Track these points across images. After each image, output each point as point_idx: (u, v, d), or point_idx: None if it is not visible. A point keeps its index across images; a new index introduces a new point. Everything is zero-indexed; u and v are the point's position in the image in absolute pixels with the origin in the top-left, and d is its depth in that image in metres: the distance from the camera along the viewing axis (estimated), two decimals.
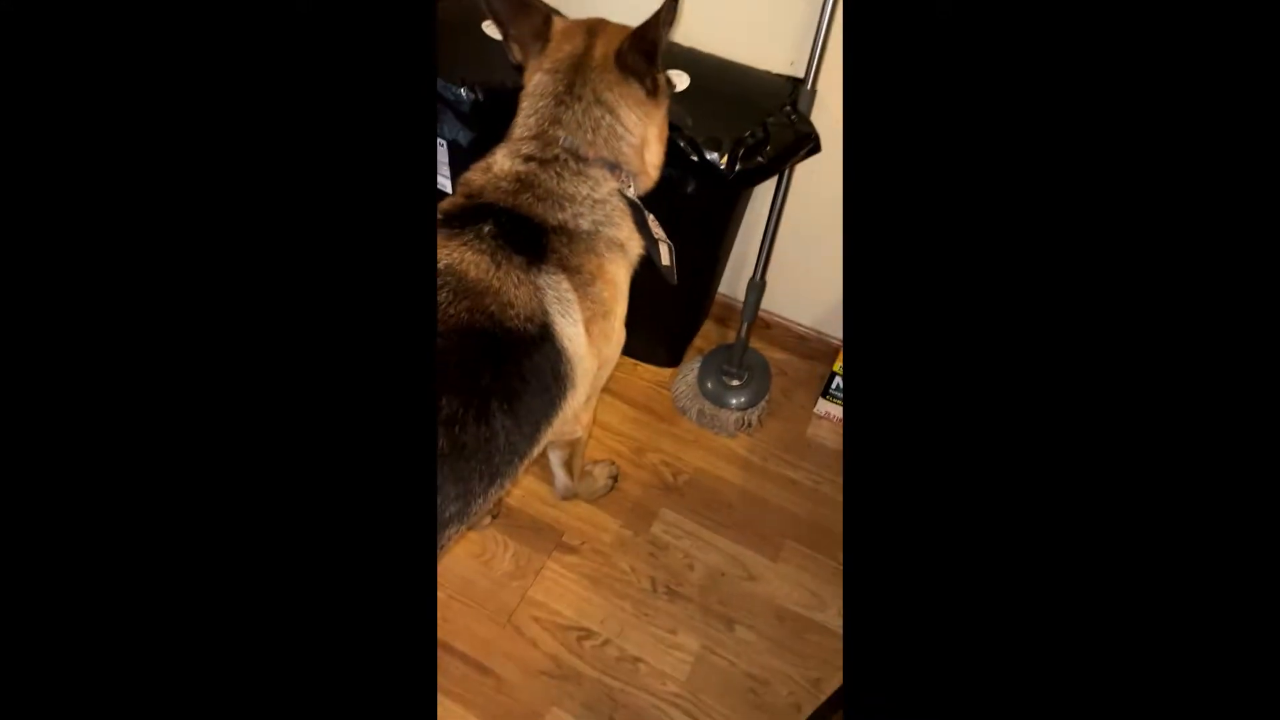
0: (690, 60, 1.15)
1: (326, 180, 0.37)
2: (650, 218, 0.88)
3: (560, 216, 0.79)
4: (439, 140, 1.21)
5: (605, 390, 1.48)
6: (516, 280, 0.75)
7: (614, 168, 0.83)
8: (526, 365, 0.74)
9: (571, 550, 1.24)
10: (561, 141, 0.80)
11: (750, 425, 1.43)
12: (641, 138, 0.85)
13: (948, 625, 0.36)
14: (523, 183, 0.79)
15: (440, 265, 0.74)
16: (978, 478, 0.36)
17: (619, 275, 0.85)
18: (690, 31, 1.20)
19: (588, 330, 0.81)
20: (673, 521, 1.29)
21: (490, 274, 0.74)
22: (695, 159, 1.03)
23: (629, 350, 1.52)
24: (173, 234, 0.35)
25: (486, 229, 0.76)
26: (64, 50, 0.33)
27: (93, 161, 0.34)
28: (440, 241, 0.76)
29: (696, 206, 1.16)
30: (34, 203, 0.33)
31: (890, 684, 0.37)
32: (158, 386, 0.35)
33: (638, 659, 1.12)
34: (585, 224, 0.80)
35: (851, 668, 0.39)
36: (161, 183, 0.35)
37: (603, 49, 0.81)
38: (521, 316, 0.74)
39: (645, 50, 0.80)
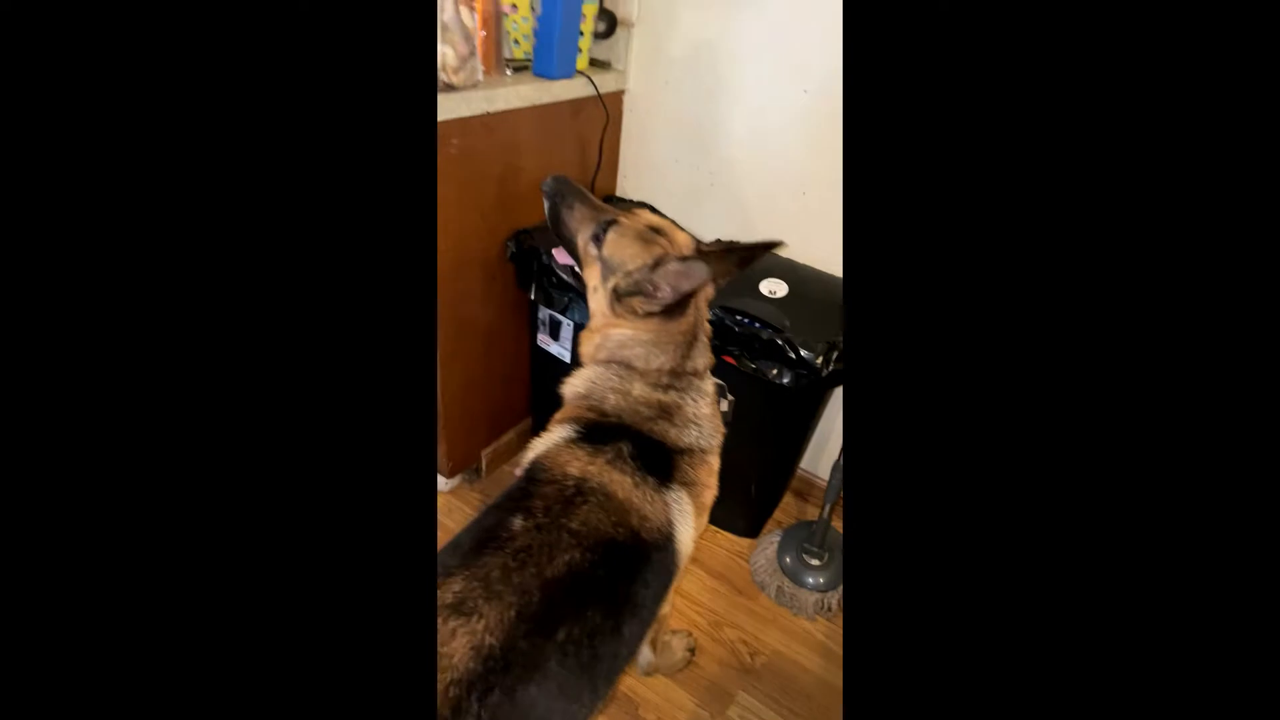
0: (788, 270, 1.33)
1: (329, 175, 0.37)
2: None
3: (688, 441, 0.94)
4: (568, 320, 1.41)
5: None
6: (651, 499, 0.88)
7: (702, 371, 1.00)
8: (649, 571, 0.85)
9: None
10: (687, 368, 0.97)
11: (830, 609, 1.41)
12: None
13: (947, 649, 0.35)
14: (664, 409, 0.94)
15: (593, 484, 0.87)
16: (979, 488, 0.35)
17: (717, 467, 0.99)
18: (792, 249, 1.40)
19: (695, 527, 0.93)
20: (749, 706, 1.25)
21: (631, 493, 0.87)
22: (792, 355, 1.16)
23: (709, 516, 1.58)
24: (169, 235, 0.34)
25: (626, 450, 0.90)
26: (64, 47, 0.33)
27: (88, 138, 0.34)
28: (585, 456, 0.90)
29: (789, 396, 1.27)
30: (30, 199, 0.33)
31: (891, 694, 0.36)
32: (152, 391, 0.34)
33: None
34: (704, 442, 0.95)
35: (851, 678, 0.38)
36: (157, 185, 0.34)
37: (699, 303, 0.99)
38: (654, 529, 0.86)
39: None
